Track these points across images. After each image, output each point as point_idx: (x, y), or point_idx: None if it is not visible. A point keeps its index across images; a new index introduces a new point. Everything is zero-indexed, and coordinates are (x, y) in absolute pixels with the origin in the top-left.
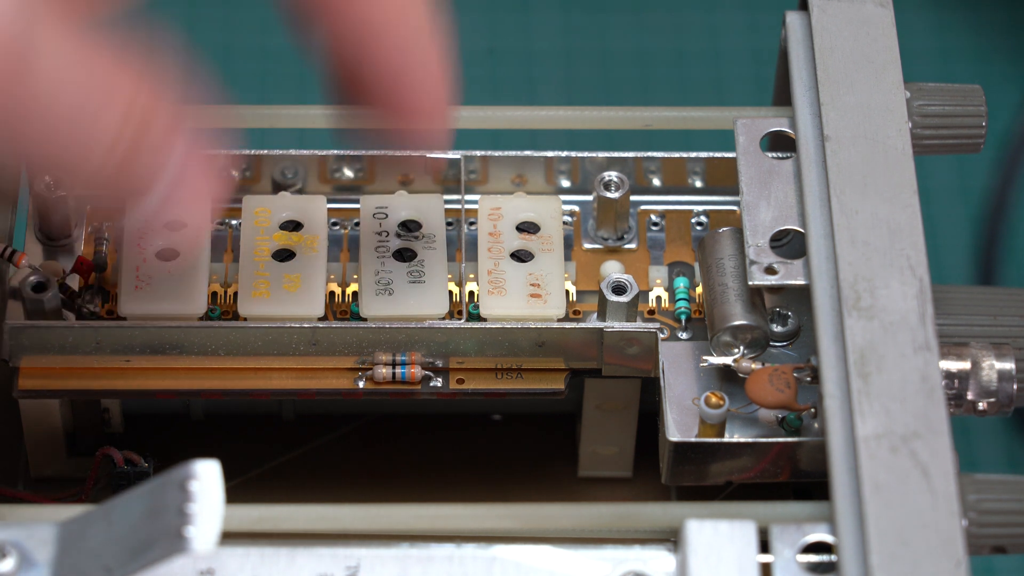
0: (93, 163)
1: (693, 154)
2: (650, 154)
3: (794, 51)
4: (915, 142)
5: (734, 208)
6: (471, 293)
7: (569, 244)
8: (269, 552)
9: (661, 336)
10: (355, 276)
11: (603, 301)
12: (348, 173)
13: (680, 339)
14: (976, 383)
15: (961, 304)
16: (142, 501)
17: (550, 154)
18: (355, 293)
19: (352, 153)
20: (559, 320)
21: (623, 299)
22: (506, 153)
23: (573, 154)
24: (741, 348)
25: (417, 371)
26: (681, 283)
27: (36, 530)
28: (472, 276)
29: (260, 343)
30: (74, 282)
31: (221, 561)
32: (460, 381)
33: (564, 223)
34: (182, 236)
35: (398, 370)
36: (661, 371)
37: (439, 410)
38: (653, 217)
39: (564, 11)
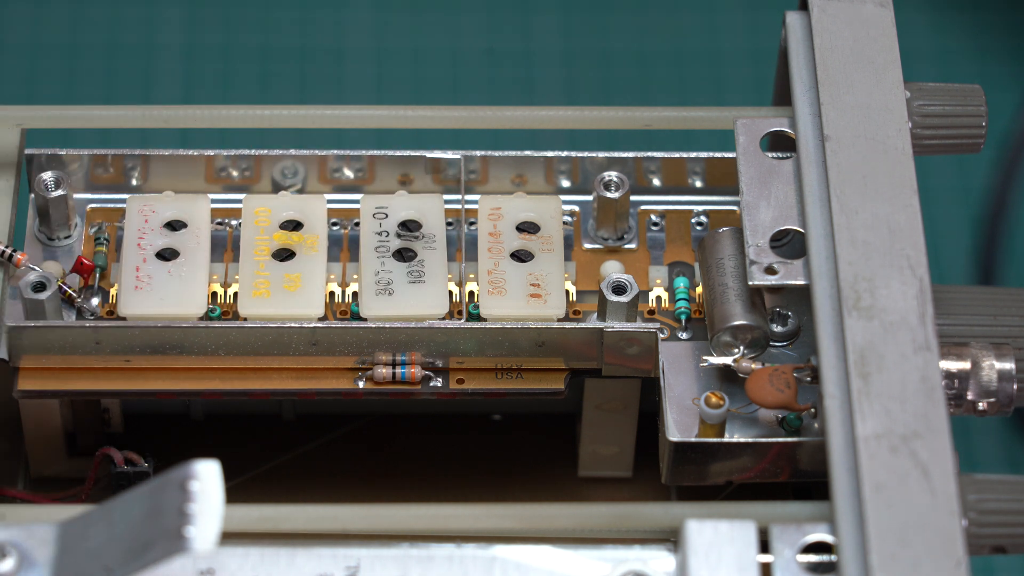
0: None
1: (693, 154)
2: (650, 154)
3: (794, 51)
4: (915, 142)
5: (734, 208)
6: (471, 293)
7: (569, 244)
8: (269, 552)
9: (661, 336)
10: (355, 276)
11: (603, 301)
12: (348, 173)
13: (680, 339)
14: (976, 383)
15: (961, 304)
16: (142, 501)
17: (550, 154)
18: (355, 293)
19: (352, 153)
20: (559, 320)
21: (623, 299)
22: (506, 153)
23: (573, 154)
24: (741, 348)
25: (417, 371)
26: (681, 283)
27: (36, 530)
28: (472, 276)
29: (260, 343)
30: (74, 282)
31: (221, 561)
32: (460, 381)
33: (564, 223)
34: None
35: (398, 370)
36: (661, 371)
37: (439, 410)
38: (653, 217)
39: (564, 11)
